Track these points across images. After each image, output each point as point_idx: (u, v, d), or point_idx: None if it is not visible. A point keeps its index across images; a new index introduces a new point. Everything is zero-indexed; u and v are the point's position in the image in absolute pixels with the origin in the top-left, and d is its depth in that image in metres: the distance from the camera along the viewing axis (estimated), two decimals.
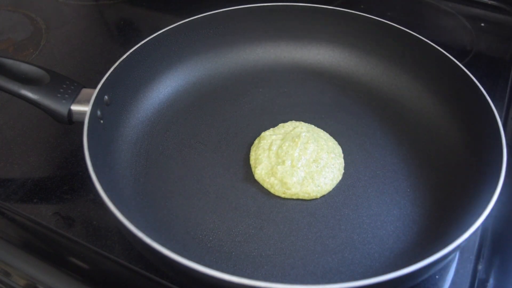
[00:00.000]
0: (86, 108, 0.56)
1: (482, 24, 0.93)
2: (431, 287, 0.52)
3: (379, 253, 0.53)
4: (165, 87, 0.71)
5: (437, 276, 0.53)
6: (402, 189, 0.60)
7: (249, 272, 0.51)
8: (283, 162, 0.61)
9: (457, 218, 0.53)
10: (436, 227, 0.55)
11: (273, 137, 0.64)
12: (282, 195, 0.59)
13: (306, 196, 0.59)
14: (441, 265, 0.50)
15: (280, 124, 0.67)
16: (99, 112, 0.58)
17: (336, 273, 0.52)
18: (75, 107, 0.59)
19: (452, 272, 0.53)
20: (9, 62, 0.60)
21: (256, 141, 0.65)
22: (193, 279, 0.44)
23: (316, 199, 0.59)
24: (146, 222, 0.55)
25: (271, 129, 0.67)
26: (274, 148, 0.63)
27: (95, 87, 0.58)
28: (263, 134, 0.66)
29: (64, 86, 0.59)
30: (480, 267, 0.54)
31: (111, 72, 0.61)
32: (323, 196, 0.59)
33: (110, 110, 0.61)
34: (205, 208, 0.58)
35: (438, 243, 0.47)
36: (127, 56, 0.64)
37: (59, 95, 0.58)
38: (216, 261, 0.52)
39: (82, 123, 0.54)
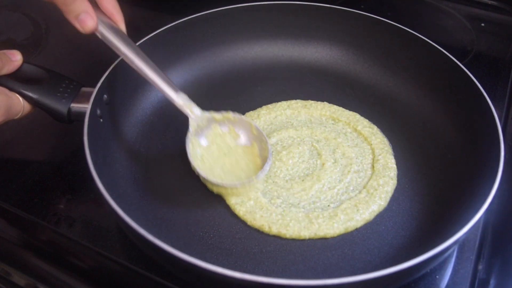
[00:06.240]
0: (86, 107, 0.56)
1: (482, 24, 0.93)
2: (431, 286, 0.52)
3: (379, 249, 0.54)
4: None
5: (437, 276, 0.53)
6: (400, 185, 0.60)
7: (250, 268, 0.52)
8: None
9: (456, 214, 0.53)
10: (435, 222, 0.55)
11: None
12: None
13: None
14: (440, 260, 0.50)
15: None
16: (98, 111, 0.58)
17: (336, 269, 0.52)
18: (74, 106, 0.59)
19: (452, 272, 0.53)
20: None
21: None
22: (195, 275, 0.44)
23: None
24: (147, 219, 0.55)
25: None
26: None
27: (94, 87, 0.58)
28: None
29: (63, 85, 0.60)
30: (480, 267, 0.54)
31: (110, 71, 0.61)
32: None
33: (109, 109, 0.61)
34: (205, 205, 0.58)
35: (437, 238, 0.47)
36: None
37: (58, 94, 0.59)
38: (217, 257, 0.53)
39: (81, 123, 0.54)
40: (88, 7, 0.54)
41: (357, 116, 0.68)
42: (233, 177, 0.58)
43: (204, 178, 0.57)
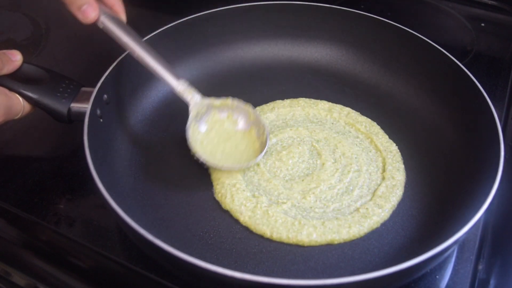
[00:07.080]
0: (86, 107, 0.56)
1: (482, 24, 0.94)
2: (431, 286, 0.52)
3: (379, 248, 0.54)
4: (164, 86, 0.71)
5: (437, 276, 0.53)
6: None
7: (250, 268, 0.52)
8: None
9: (456, 214, 0.53)
10: (435, 222, 0.55)
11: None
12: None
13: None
14: (440, 260, 0.51)
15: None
16: (98, 111, 0.58)
17: (336, 268, 0.52)
18: (74, 106, 0.59)
19: (452, 272, 0.53)
20: None
21: None
22: (195, 275, 0.44)
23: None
24: (146, 219, 0.55)
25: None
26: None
27: (94, 87, 0.58)
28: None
29: (63, 85, 0.60)
30: (480, 267, 0.54)
31: (110, 71, 0.61)
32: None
33: (109, 109, 0.61)
34: (205, 205, 0.58)
35: (437, 238, 0.47)
36: (125, 55, 0.63)
37: (58, 94, 0.59)
38: (217, 257, 0.53)
39: (81, 123, 0.54)
40: None
41: (358, 115, 0.69)
42: (233, 161, 0.60)
43: (205, 162, 0.59)
